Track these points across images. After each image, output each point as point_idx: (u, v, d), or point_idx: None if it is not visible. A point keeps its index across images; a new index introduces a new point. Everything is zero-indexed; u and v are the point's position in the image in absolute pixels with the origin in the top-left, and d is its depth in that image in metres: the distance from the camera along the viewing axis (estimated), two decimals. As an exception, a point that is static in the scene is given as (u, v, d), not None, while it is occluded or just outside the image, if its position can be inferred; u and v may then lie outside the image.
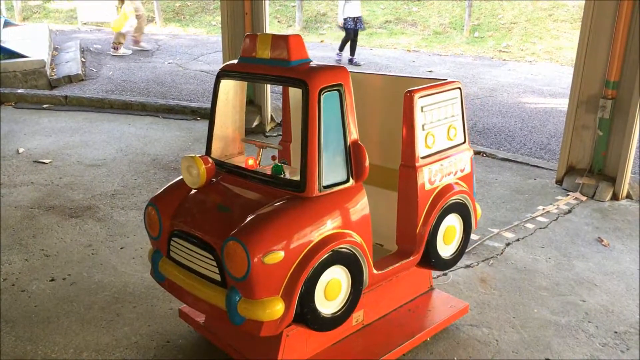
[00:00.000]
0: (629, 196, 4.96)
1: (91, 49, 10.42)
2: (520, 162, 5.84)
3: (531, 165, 5.75)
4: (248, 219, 2.37)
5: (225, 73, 2.76)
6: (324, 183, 2.43)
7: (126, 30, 10.19)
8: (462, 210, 3.01)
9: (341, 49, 10.57)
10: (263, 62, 2.57)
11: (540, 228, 4.47)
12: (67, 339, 3.07)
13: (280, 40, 2.50)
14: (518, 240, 4.27)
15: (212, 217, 2.55)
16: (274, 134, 6.49)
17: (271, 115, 6.57)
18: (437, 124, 2.83)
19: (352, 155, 2.49)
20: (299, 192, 2.43)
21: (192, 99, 7.53)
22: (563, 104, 7.64)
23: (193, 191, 2.71)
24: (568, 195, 5.02)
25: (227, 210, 2.53)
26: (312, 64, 2.51)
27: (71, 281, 3.58)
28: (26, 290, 3.50)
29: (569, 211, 4.75)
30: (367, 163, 2.49)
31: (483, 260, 3.98)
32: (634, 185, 5.02)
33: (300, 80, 2.40)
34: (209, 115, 2.83)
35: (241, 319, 2.34)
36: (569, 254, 4.12)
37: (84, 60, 9.48)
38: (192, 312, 3.04)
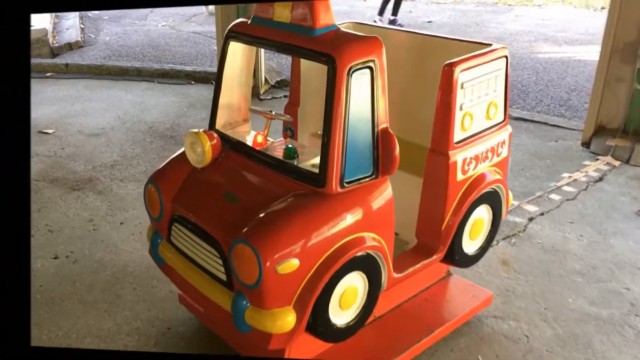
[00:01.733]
0: (668, 159, 4.68)
1: (89, 14, 10.75)
2: (538, 122, 5.48)
3: (550, 125, 5.41)
4: (259, 216, 2.25)
5: (234, 34, 2.58)
6: (347, 178, 2.27)
7: None
8: (493, 201, 2.82)
9: (381, 12, 9.47)
10: (281, 26, 2.38)
11: (568, 199, 4.15)
12: (70, 322, 3.10)
13: (304, 2, 2.32)
14: (542, 214, 3.96)
15: (218, 207, 2.44)
16: (269, 97, 6.42)
17: (265, 78, 6.51)
18: (476, 102, 2.61)
19: (381, 146, 2.28)
20: (317, 187, 2.27)
21: (186, 62, 7.81)
22: (582, 52, 7.33)
23: (196, 170, 2.62)
24: (597, 159, 4.71)
25: (235, 200, 2.42)
26: (340, 32, 2.29)
27: (74, 259, 3.62)
28: (33, 269, 3.50)
29: (600, 179, 4.44)
30: (397, 153, 2.28)
31: (504, 239, 3.68)
32: (674, 147, 4.75)
33: (327, 54, 2.19)
34: (215, 82, 2.69)
35: (248, 328, 2.27)
36: (605, 230, 3.80)
37: (82, 26, 9.82)
38: (192, 298, 3.04)
